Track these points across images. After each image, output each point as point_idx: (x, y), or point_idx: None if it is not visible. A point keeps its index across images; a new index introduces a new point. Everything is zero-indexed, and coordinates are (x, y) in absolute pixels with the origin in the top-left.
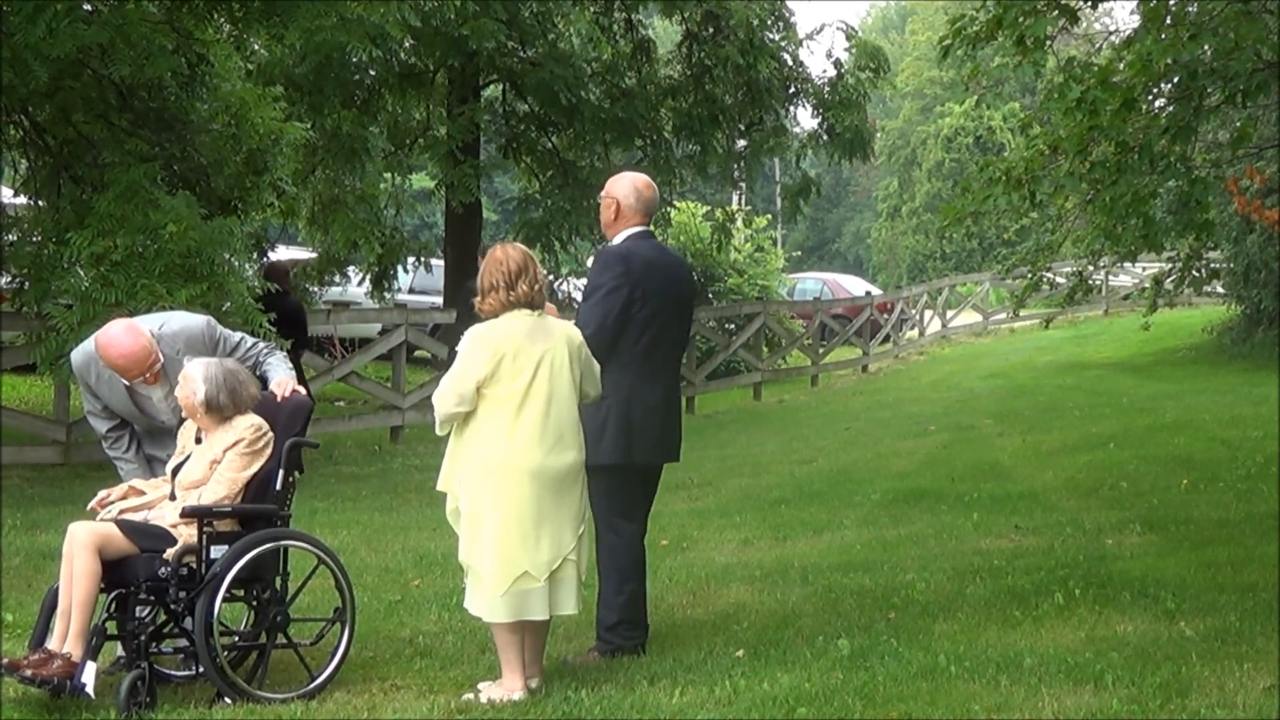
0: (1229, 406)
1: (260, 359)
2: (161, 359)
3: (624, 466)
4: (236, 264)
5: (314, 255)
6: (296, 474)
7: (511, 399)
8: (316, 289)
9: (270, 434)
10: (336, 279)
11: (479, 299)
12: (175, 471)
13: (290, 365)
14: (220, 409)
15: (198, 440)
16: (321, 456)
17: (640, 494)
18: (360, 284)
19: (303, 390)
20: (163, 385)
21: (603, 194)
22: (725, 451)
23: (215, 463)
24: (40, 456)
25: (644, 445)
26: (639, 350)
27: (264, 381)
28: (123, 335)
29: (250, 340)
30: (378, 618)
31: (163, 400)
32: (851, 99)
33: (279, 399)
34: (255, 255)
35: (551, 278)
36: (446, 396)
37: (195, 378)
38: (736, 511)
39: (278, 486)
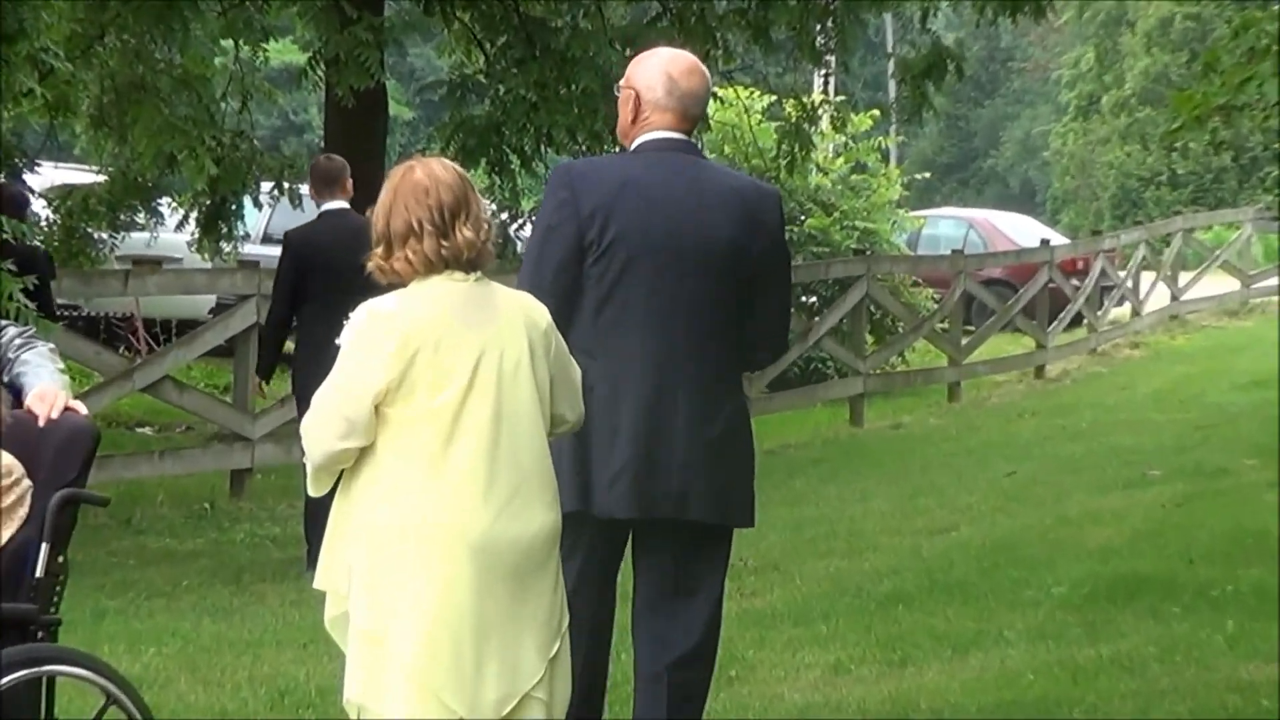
0: None
1: (12, 359)
2: None
3: (578, 515)
4: None
5: (99, 179)
6: (63, 553)
7: (434, 423)
8: (104, 236)
9: (26, 483)
10: (139, 219)
11: (378, 253)
12: None
13: (60, 366)
14: None
15: None
16: (114, 520)
17: (607, 557)
18: (180, 228)
19: (80, 409)
20: None
21: (620, 83)
22: (801, 511)
23: None
24: None
25: (612, 486)
26: (602, 327)
27: (15, 394)
28: None
29: (2, 326)
30: None
31: None
32: None
33: (39, 422)
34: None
35: (504, 218)
36: (324, 424)
37: None
38: (821, 616)
39: (38, 572)
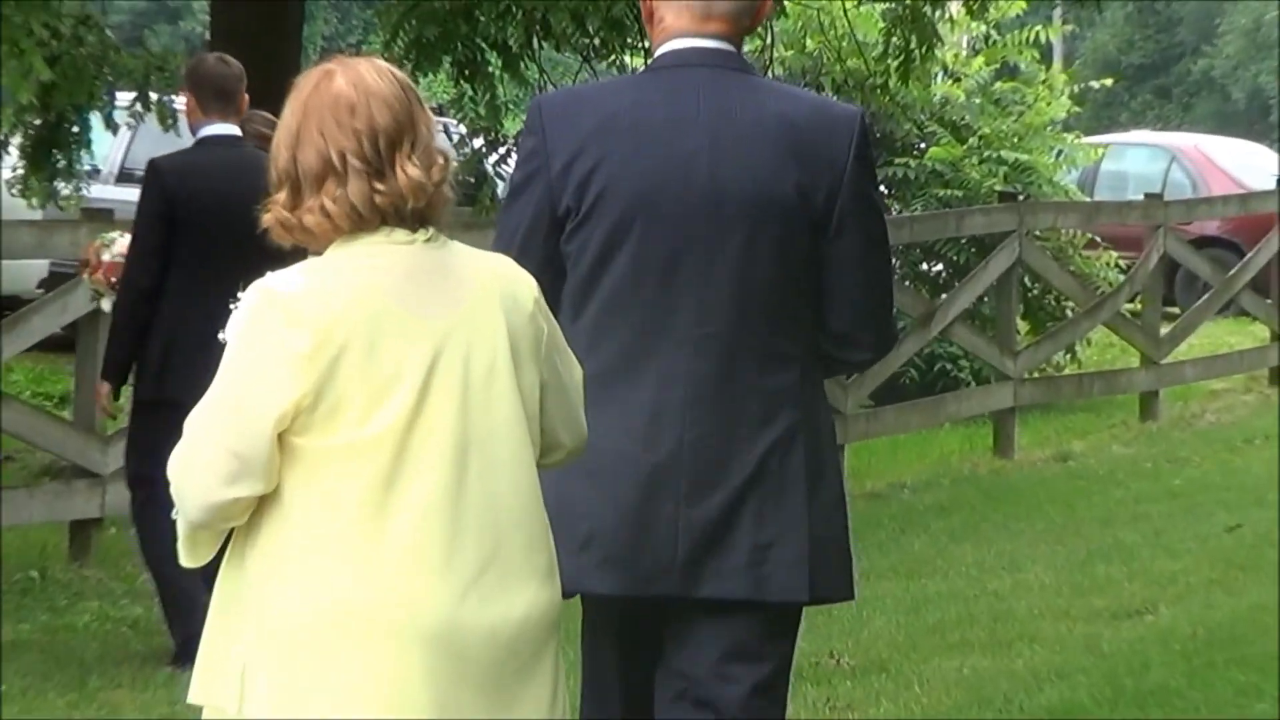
0: None
1: None
2: None
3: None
4: None
5: None
6: None
7: (368, 460)
8: None
9: None
10: None
11: (279, 200)
12: None
13: None
14: None
15: None
16: None
17: (617, 648)
18: None
19: None
20: None
21: None
22: (921, 585)
23: None
24: None
25: (610, 551)
26: (585, 326)
27: None
28: None
29: None
30: None
31: None
32: None
33: None
34: None
35: (479, 145)
36: (204, 463)
37: None
38: None
39: None
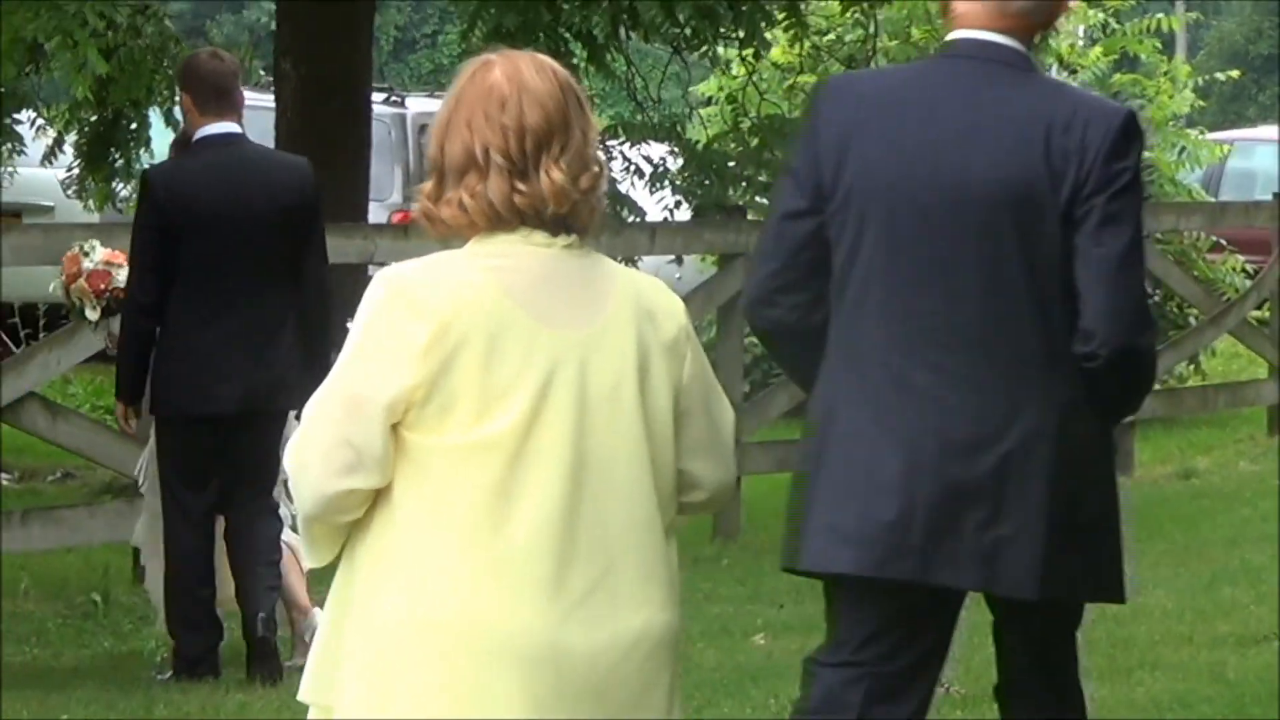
0: None
1: None
2: None
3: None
4: None
5: None
6: None
7: (481, 463)
8: None
9: None
10: None
11: (425, 189)
12: None
13: None
14: None
15: None
16: None
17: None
18: (49, 160)
19: None
20: None
21: None
22: None
23: None
24: None
25: (850, 531)
26: (843, 317)
27: None
28: None
29: None
30: None
31: None
32: None
33: None
34: None
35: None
36: (320, 452)
37: None
38: None
39: None
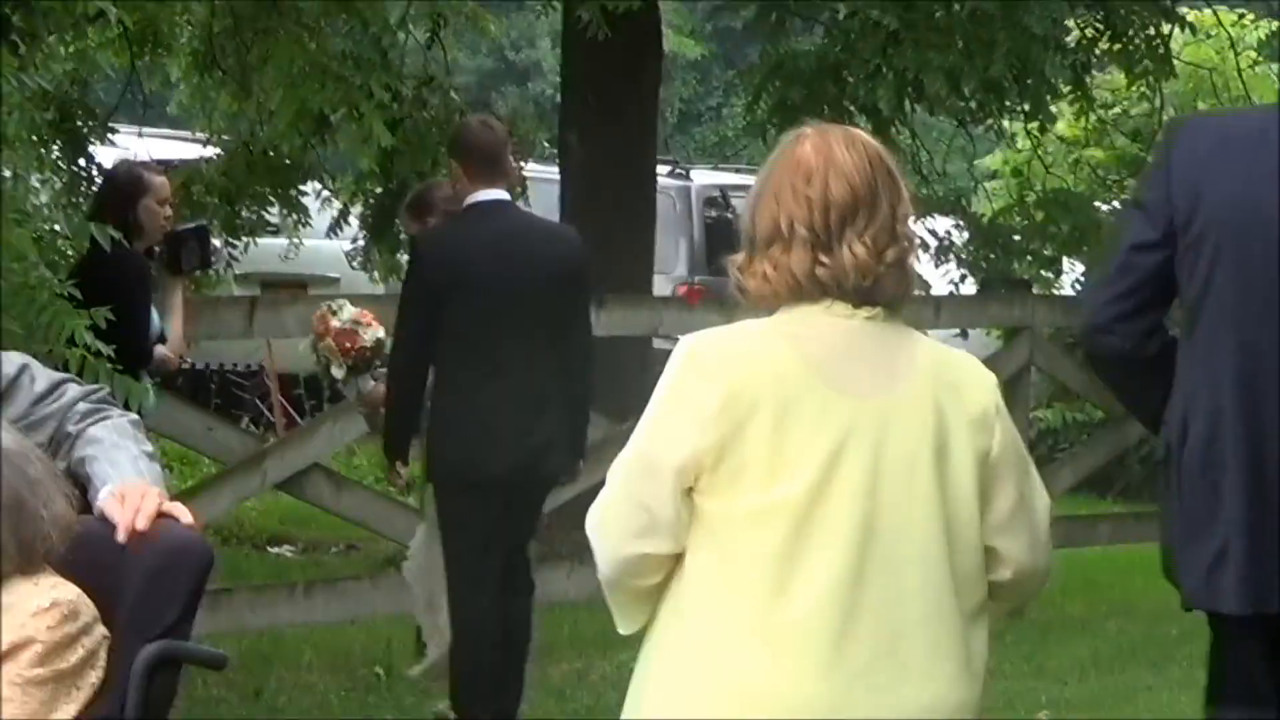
0: None
1: (73, 435)
2: None
3: None
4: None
5: (207, 154)
6: None
7: (767, 530)
8: (216, 245)
9: (100, 632)
10: (271, 216)
11: (737, 259)
12: None
13: (147, 448)
14: None
15: None
16: (235, 692)
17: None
18: (335, 232)
19: (183, 516)
20: None
21: None
22: None
23: None
24: None
25: (1212, 571)
26: (1194, 349)
27: (81, 491)
28: None
29: (62, 385)
30: None
31: None
32: None
33: (120, 537)
34: (62, 151)
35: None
36: (616, 514)
37: None
38: None
39: None
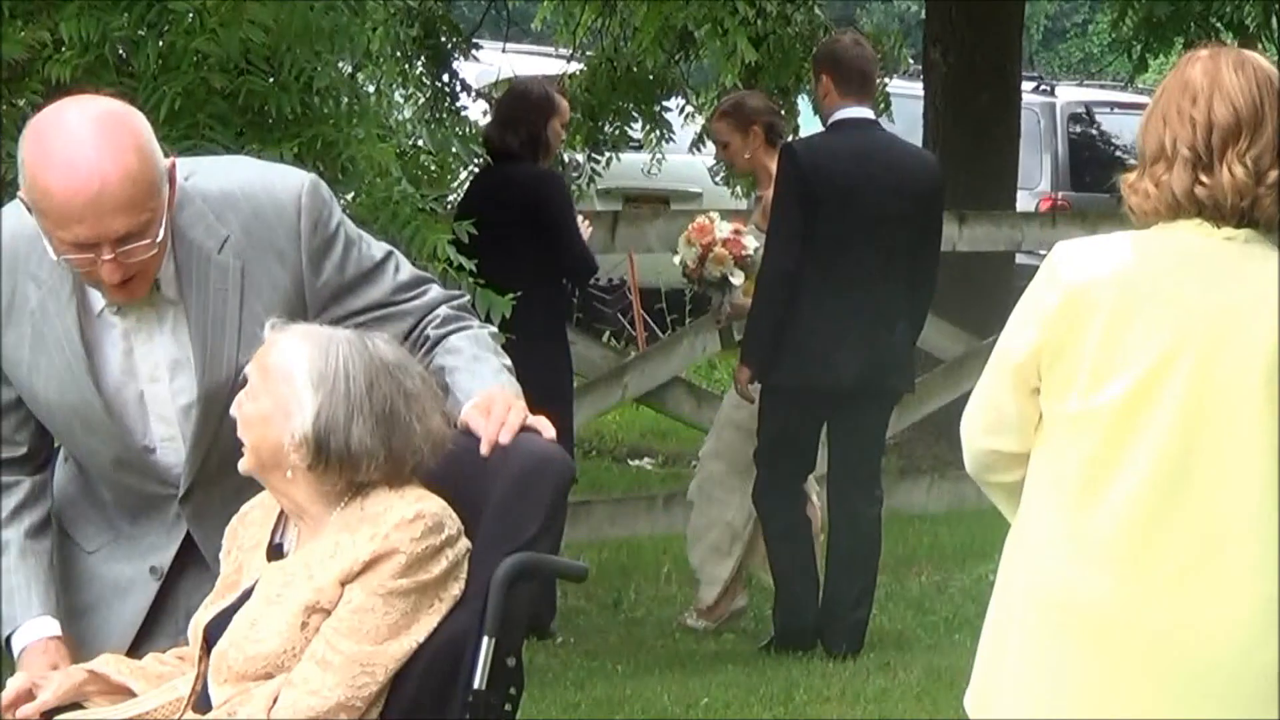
0: None
1: (433, 340)
2: (163, 225)
3: None
4: (373, 90)
5: (570, 69)
6: (516, 653)
7: (1088, 434)
8: (578, 159)
9: (463, 544)
10: (633, 132)
11: (1129, 177)
12: (211, 634)
13: (506, 361)
14: (345, 464)
15: (275, 551)
16: (595, 602)
17: None
18: (698, 147)
19: (544, 429)
20: (164, 309)
21: None
22: None
23: (316, 612)
24: None
25: None
26: None
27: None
28: (83, 138)
29: (426, 283)
30: None
31: (163, 362)
32: None
33: (483, 449)
34: (425, 67)
35: None
36: (973, 408)
37: (289, 368)
38: None
39: (476, 682)
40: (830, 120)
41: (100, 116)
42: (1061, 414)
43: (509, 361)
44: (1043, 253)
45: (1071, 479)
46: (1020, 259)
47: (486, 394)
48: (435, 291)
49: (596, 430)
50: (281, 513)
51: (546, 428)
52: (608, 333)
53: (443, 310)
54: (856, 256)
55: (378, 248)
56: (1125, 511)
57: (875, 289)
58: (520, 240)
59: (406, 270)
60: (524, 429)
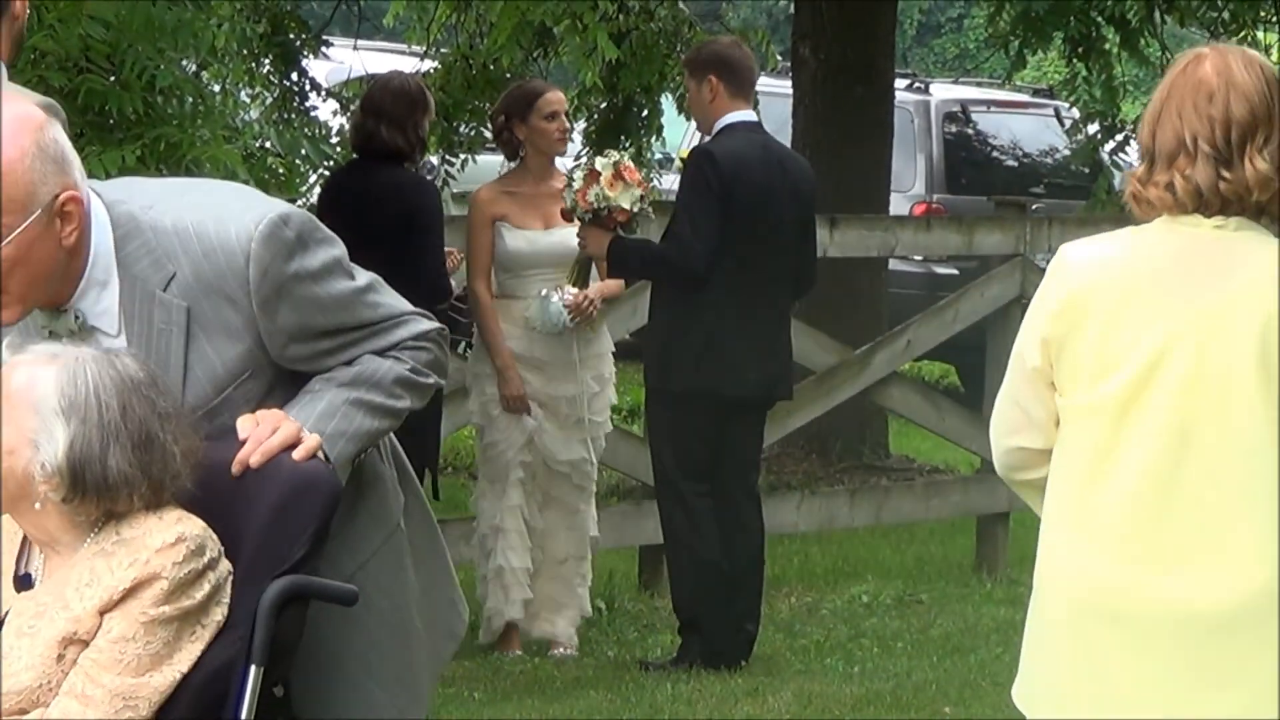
0: None
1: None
2: (9, 243)
3: None
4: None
5: (424, 66)
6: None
7: (1091, 427)
8: (431, 161)
9: (226, 566)
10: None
11: (1136, 174)
12: None
13: (371, 398)
14: (103, 494)
15: (23, 581)
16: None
17: None
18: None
19: (303, 451)
20: (103, 345)
21: None
22: None
23: (74, 644)
24: None
25: None
26: None
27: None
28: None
29: (392, 320)
30: None
31: None
32: None
33: (236, 469)
34: (273, 65)
35: (1088, 135)
36: (996, 411)
37: (34, 394)
38: None
39: (244, 715)
40: (720, 124)
41: (17, 110)
42: (1071, 406)
43: (380, 398)
44: (916, 258)
45: (1078, 466)
46: (894, 265)
47: (262, 413)
48: (407, 329)
49: (453, 447)
50: (25, 540)
51: (307, 449)
52: (463, 344)
53: (409, 342)
54: (760, 262)
55: (353, 283)
56: (1128, 492)
57: (775, 293)
58: (391, 244)
59: (384, 305)
60: (280, 443)
